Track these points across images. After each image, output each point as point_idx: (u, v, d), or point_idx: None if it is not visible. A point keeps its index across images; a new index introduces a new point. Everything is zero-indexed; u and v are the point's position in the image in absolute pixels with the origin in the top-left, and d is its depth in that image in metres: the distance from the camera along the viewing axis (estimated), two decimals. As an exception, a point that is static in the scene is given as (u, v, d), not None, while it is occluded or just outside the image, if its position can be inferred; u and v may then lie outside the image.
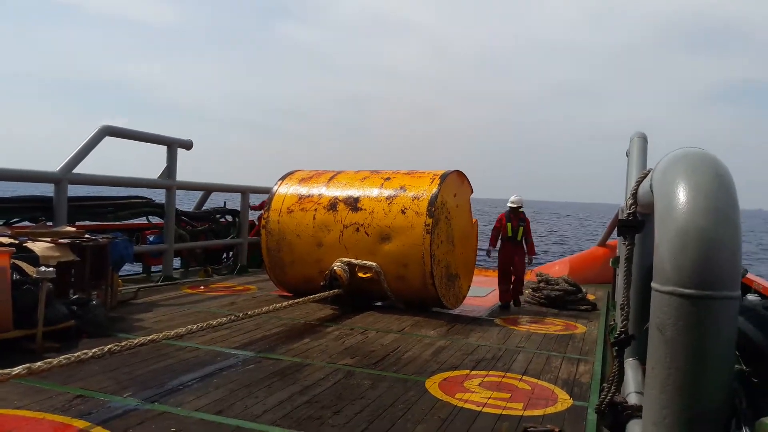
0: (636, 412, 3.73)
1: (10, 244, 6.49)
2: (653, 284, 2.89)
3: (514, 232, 9.89)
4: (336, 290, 8.95)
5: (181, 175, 11.72)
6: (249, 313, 7.11)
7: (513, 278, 9.97)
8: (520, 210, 10.01)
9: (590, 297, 10.61)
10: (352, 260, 9.11)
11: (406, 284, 8.99)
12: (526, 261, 10.09)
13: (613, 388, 4.04)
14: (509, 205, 9.97)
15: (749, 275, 6.49)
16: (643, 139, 7.55)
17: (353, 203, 9.44)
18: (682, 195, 2.87)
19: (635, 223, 4.23)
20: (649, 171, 3.83)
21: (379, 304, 9.60)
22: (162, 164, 11.47)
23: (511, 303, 9.97)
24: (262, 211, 12.80)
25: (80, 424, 4.23)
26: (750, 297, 3.73)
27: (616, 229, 6.18)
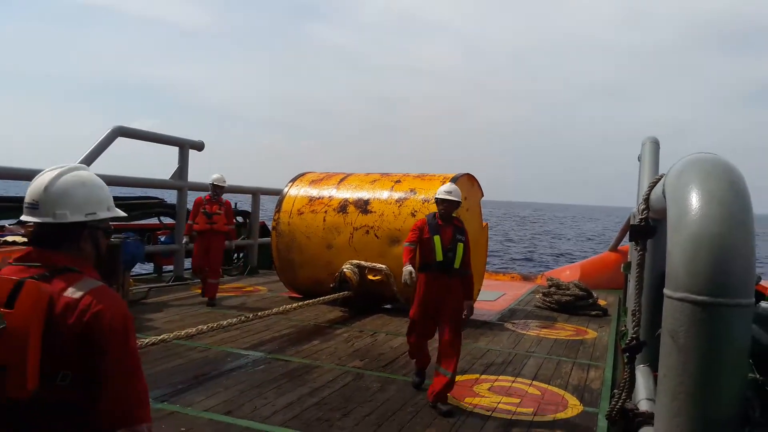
0: (647, 419, 3.70)
1: (24, 243, 6.55)
2: (665, 290, 2.87)
3: (447, 254, 5.21)
4: (345, 292, 8.96)
5: (196, 176, 11.78)
6: (259, 314, 7.14)
7: (444, 338, 5.16)
8: (454, 215, 5.43)
9: (601, 302, 10.54)
10: (362, 262, 9.11)
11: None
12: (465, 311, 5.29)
13: (624, 394, 4.01)
14: (442, 197, 5.28)
15: (763, 282, 6.44)
16: (655, 144, 7.50)
17: (363, 206, 9.44)
18: (695, 201, 2.85)
19: (647, 228, 4.20)
20: (661, 176, 3.81)
21: (388, 306, 9.59)
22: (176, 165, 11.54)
23: (438, 403, 4.95)
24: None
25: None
26: (764, 304, 3.68)
27: (627, 234, 6.15)
